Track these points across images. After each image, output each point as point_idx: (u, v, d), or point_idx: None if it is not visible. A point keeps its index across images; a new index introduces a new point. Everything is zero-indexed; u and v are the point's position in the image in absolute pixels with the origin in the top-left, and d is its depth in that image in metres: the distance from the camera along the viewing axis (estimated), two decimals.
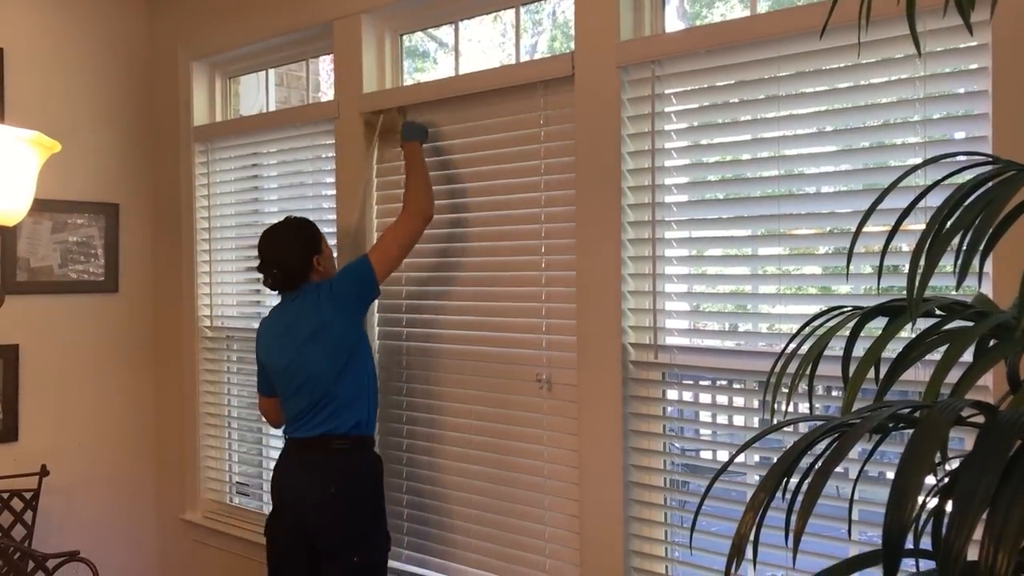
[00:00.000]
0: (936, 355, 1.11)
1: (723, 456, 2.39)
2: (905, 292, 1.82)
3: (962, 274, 0.91)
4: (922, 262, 0.98)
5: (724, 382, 2.26)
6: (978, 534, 0.78)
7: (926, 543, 1.18)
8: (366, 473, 2.53)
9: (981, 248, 0.96)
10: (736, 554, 0.90)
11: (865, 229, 1.89)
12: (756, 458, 2.18)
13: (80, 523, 3.58)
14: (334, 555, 2.47)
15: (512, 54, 2.72)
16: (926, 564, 1.13)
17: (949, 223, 0.98)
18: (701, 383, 2.29)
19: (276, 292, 2.65)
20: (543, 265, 2.48)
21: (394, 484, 2.87)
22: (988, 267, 1.68)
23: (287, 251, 2.57)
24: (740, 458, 2.19)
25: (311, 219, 2.70)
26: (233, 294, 3.53)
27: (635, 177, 2.27)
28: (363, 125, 2.90)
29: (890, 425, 0.99)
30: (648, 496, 2.28)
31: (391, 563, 2.85)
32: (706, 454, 2.52)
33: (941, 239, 0.94)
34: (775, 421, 1.24)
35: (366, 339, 2.60)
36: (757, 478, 2.15)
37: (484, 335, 2.61)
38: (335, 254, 2.90)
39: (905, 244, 1.86)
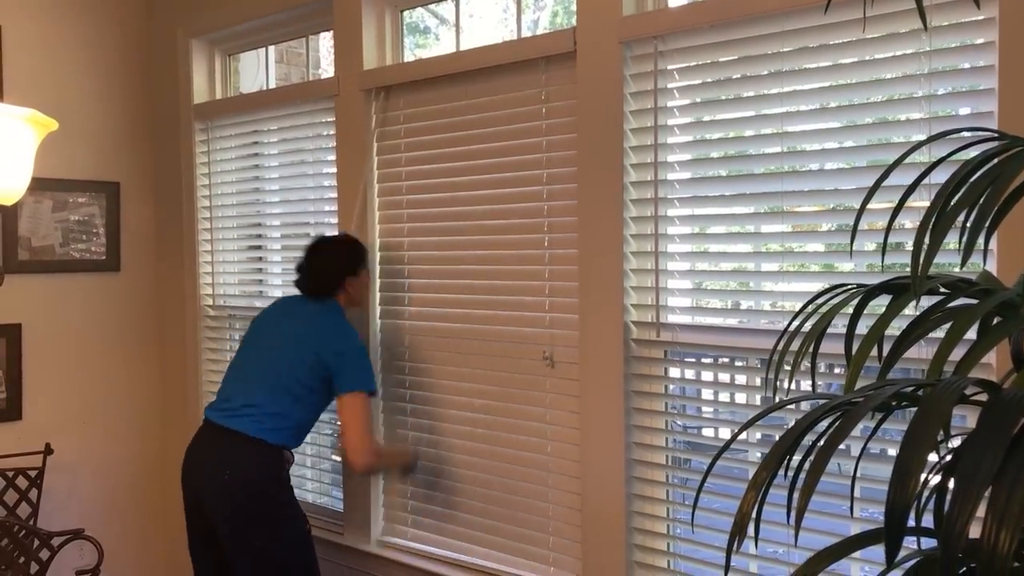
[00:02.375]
0: (940, 333, 1.11)
1: (725, 434, 2.39)
2: (909, 270, 1.81)
3: (967, 251, 0.90)
4: (926, 239, 0.98)
5: (726, 360, 2.26)
6: (980, 511, 0.78)
7: (927, 521, 1.18)
8: (266, 462, 2.53)
9: (987, 225, 0.95)
10: (738, 532, 0.90)
11: (870, 206, 1.89)
12: (758, 436, 2.19)
13: (85, 501, 3.60)
14: (233, 538, 2.50)
15: (515, 30, 2.69)
16: (927, 542, 1.13)
17: (954, 200, 0.97)
18: (703, 361, 2.29)
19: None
20: (546, 243, 2.47)
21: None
22: (992, 244, 1.67)
23: (325, 262, 2.65)
24: (742, 436, 2.20)
25: (355, 240, 2.73)
26: (235, 273, 3.53)
27: (637, 154, 2.25)
28: (363, 103, 2.88)
29: (893, 403, 0.99)
30: (650, 474, 2.28)
31: (393, 539, 2.87)
32: (708, 432, 2.52)
33: (946, 216, 0.93)
34: (778, 399, 1.24)
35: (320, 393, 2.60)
36: (759, 455, 2.15)
37: (487, 313, 2.61)
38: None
39: (908, 221, 1.85)
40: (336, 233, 2.81)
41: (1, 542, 2.53)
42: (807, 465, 1.00)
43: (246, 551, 2.50)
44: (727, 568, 0.95)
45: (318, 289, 2.65)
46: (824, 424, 1.03)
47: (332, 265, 2.64)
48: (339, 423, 2.61)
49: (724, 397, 2.43)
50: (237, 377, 2.67)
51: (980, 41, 1.75)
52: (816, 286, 2.01)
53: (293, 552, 2.53)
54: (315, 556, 2.62)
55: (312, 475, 3.28)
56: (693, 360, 2.28)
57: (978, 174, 0.99)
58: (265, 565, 2.50)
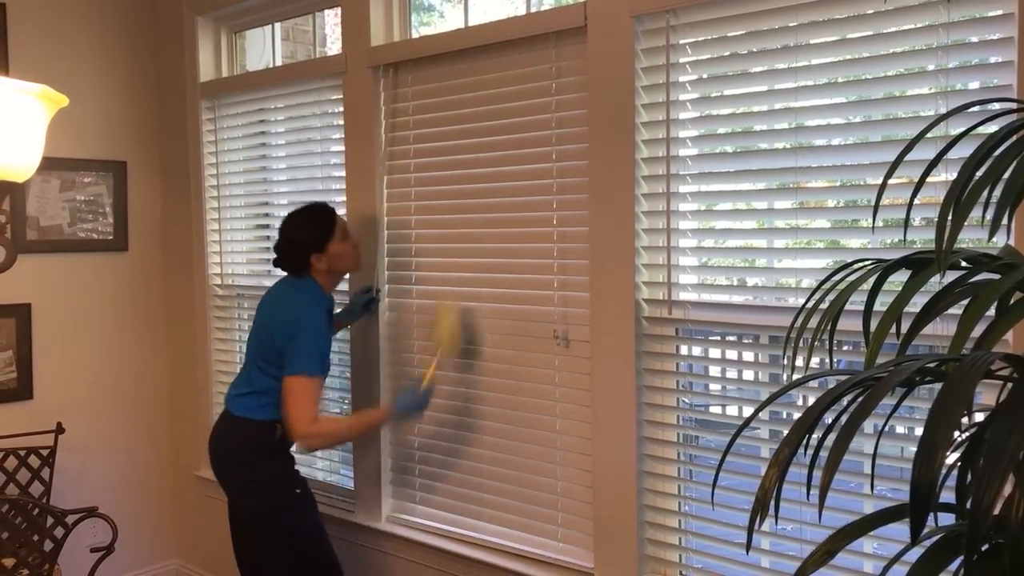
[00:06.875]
0: (957, 310, 1.09)
1: (732, 411, 2.39)
2: (919, 246, 1.80)
3: (994, 226, 0.89)
4: (950, 214, 0.96)
5: (733, 337, 2.25)
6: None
7: (944, 497, 1.17)
8: (247, 435, 2.61)
9: (1013, 199, 0.93)
10: (760, 508, 0.89)
11: (875, 181, 1.87)
12: (765, 413, 2.18)
13: (96, 479, 3.62)
14: (234, 504, 2.71)
15: (520, 7, 2.66)
16: (944, 519, 1.12)
17: (979, 173, 0.96)
18: (711, 338, 2.28)
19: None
20: (555, 221, 2.46)
21: (407, 440, 2.89)
22: (1012, 219, 1.65)
23: (287, 243, 2.60)
24: (747, 412, 2.20)
25: (334, 208, 2.65)
26: (243, 252, 3.52)
27: (649, 130, 2.24)
28: (371, 80, 2.85)
29: (917, 379, 0.98)
30: (661, 451, 2.28)
31: (403, 516, 2.89)
32: (716, 409, 2.52)
33: (972, 189, 0.91)
34: (793, 377, 1.23)
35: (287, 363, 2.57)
36: (768, 433, 2.15)
37: (497, 291, 2.60)
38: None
39: (919, 198, 1.83)
40: (306, 204, 2.68)
41: (15, 521, 2.54)
42: (827, 442, 0.99)
43: (243, 516, 2.67)
44: (748, 545, 0.95)
45: (289, 270, 2.65)
46: (843, 402, 1.02)
47: (292, 247, 2.59)
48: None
49: (732, 374, 2.42)
50: (243, 362, 2.76)
51: (998, 12, 1.73)
52: (823, 263, 2.00)
53: (286, 516, 2.60)
54: (315, 518, 2.67)
55: (322, 454, 3.28)
56: (701, 337, 2.27)
57: (1003, 147, 0.97)
58: (261, 528, 2.61)
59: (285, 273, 2.68)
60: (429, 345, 2.70)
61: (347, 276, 2.93)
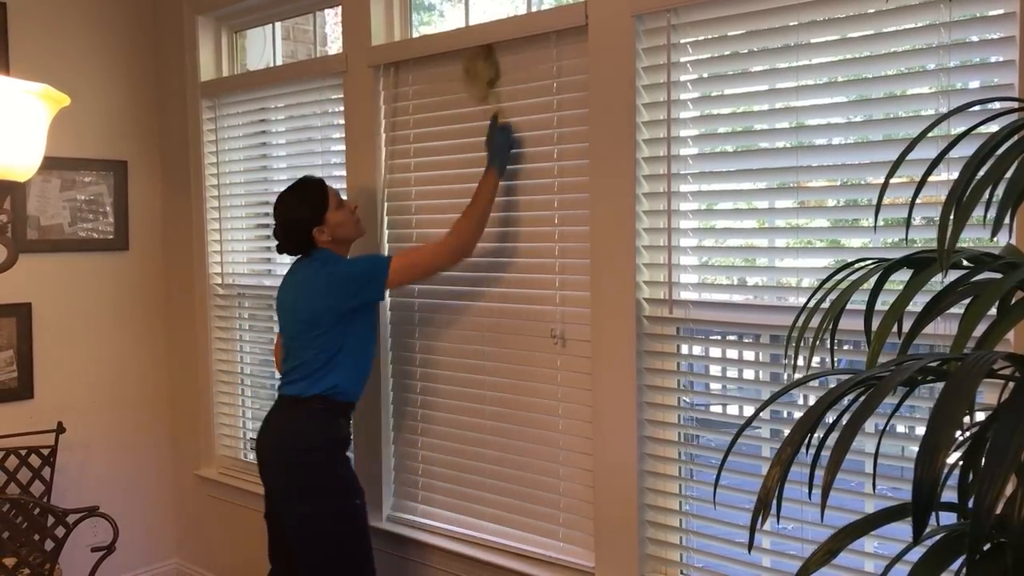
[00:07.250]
0: (958, 309, 1.09)
1: (732, 410, 2.40)
2: (920, 245, 1.80)
3: (996, 225, 0.89)
4: (952, 213, 0.96)
5: (734, 337, 2.26)
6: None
7: (946, 496, 1.17)
8: (310, 431, 2.52)
9: (1014, 199, 0.93)
10: (762, 507, 0.89)
11: (874, 180, 1.87)
12: (765, 412, 2.18)
13: (97, 479, 3.62)
14: (283, 506, 2.54)
15: (521, 6, 2.66)
16: (946, 518, 1.13)
17: (981, 172, 0.96)
18: (712, 338, 2.29)
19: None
20: (556, 220, 2.46)
21: (408, 440, 2.89)
22: (1011, 218, 1.65)
23: (285, 226, 2.57)
24: (748, 412, 2.20)
25: (321, 178, 2.63)
26: (243, 251, 3.52)
27: (650, 129, 2.24)
28: (372, 79, 2.85)
29: (919, 378, 0.98)
30: (662, 450, 2.28)
31: (404, 515, 2.89)
32: (717, 408, 2.53)
33: (974, 188, 0.91)
34: (795, 376, 1.23)
35: (356, 319, 2.54)
36: (769, 432, 2.15)
37: (498, 291, 2.60)
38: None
39: (920, 197, 1.83)
40: (292, 183, 2.65)
41: (16, 520, 2.54)
42: (828, 442, 0.99)
43: (293, 518, 2.52)
44: (751, 544, 0.95)
45: (295, 251, 2.61)
46: (844, 401, 1.02)
47: (292, 226, 2.56)
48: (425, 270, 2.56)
49: (733, 373, 2.42)
50: (286, 346, 2.66)
51: (999, 12, 1.73)
52: (828, 262, 2.01)
53: (340, 523, 2.50)
54: (366, 530, 2.56)
55: None
56: (702, 337, 2.27)
57: (1005, 146, 0.97)
58: (312, 533, 2.49)
59: (290, 267, 2.66)
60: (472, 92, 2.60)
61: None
